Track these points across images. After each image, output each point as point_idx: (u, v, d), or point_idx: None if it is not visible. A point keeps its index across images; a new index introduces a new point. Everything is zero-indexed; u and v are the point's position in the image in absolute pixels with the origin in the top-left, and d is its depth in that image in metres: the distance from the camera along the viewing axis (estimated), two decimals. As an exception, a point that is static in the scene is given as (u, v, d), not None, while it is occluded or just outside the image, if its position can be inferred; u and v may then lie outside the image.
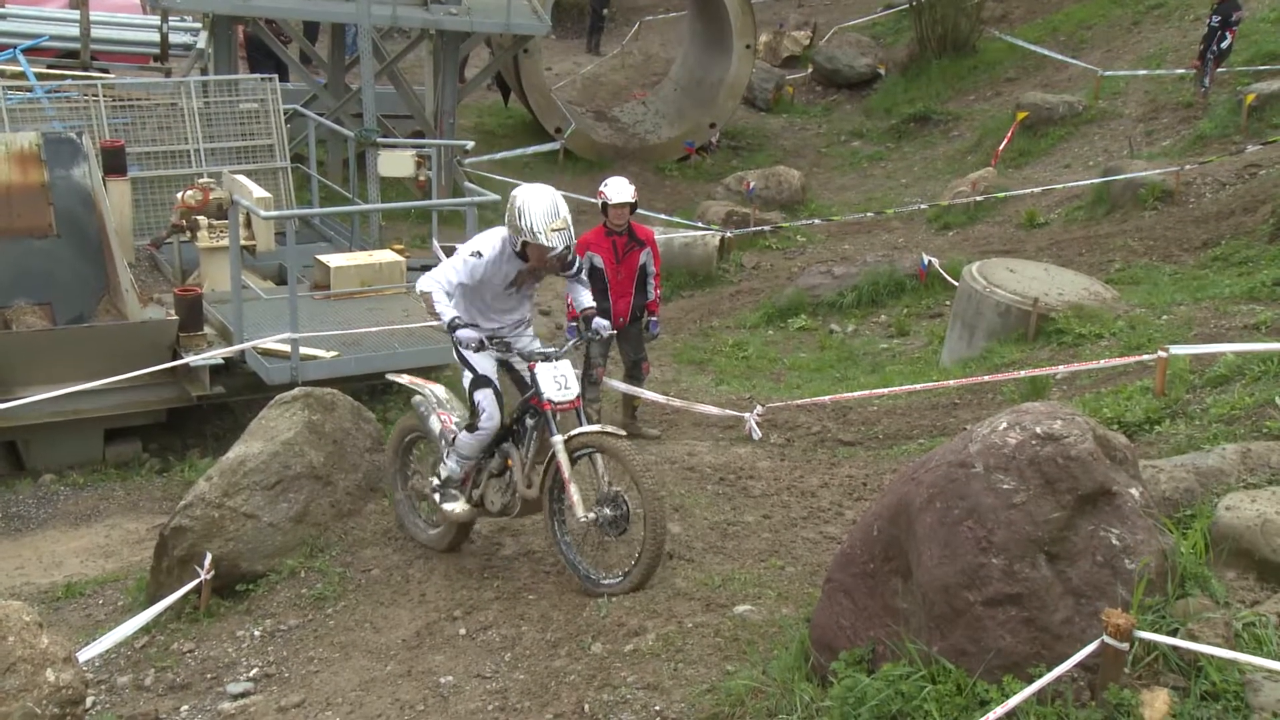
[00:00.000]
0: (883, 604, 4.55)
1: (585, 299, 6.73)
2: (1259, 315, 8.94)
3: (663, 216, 17.26)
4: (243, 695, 5.84)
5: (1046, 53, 22.01)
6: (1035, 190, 16.19)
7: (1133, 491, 4.36)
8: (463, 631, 5.96)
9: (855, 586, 4.67)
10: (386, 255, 12.79)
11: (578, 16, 30.04)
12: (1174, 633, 4.02)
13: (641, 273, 9.01)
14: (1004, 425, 4.43)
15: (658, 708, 4.80)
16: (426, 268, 13.12)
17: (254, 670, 6.08)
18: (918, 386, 9.59)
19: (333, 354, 10.74)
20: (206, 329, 11.17)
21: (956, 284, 11.55)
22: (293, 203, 14.99)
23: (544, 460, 6.25)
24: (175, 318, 10.91)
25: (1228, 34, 16.88)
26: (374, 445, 7.61)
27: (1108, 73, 19.72)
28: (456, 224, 14.70)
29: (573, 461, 6.11)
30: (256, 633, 6.40)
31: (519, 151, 20.86)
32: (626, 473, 5.98)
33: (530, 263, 6.26)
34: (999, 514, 4.20)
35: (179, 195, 12.76)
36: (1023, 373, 8.89)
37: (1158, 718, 3.84)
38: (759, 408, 9.40)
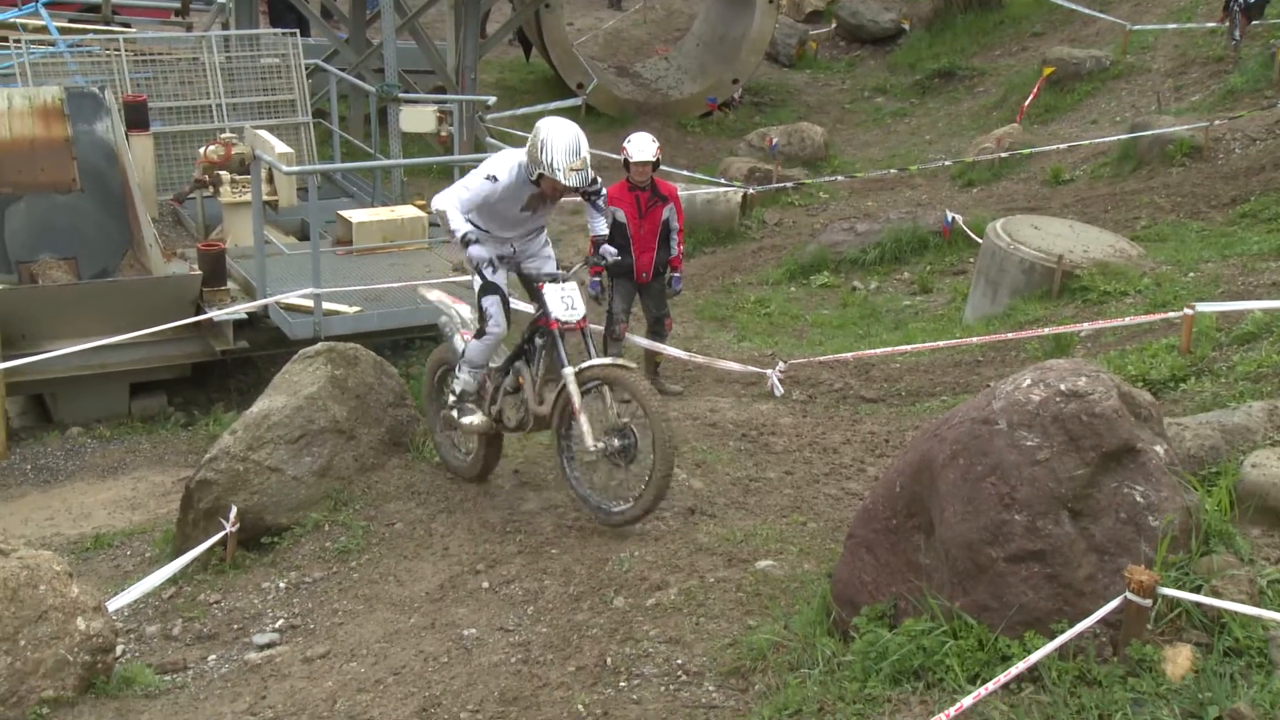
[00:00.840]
0: (905, 560, 4.56)
1: (599, 226, 6.84)
2: (1287, 272, 8.87)
3: (685, 173, 17.17)
4: (269, 646, 5.90)
5: (1074, 6, 21.71)
6: (1061, 146, 16.04)
7: (1157, 449, 4.36)
8: (486, 585, 6.00)
9: (877, 542, 4.68)
10: (408, 211, 12.79)
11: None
12: (1197, 589, 4.02)
13: (664, 228, 8.99)
14: (1028, 382, 4.42)
15: (679, 661, 4.83)
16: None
17: (279, 621, 6.14)
18: (940, 344, 9.56)
19: (355, 309, 10.77)
20: (229, 284, 11.22)
21: (980, 241, 11.48)
22: (315, 158, 15.00)
23: (553, 378, 6.41)
24: (199, 273, 10.96)
25: None
26: (396, 400, 7.64)
27: (1136, 26, 19.47)
28: (478, 180, 14.63)
29: (583, 393, 6.21)
30: (282, 585, 6.47)
31: (540, 107, 20.68)
32: (635, 402, 6.08)
33: (543, 191, 6.37)
34: (1022, 470, 4.20)
35: (201, 150, 12.79)
36: (1046, 330, 8.85)
37: (1180, 674, 3.85)
38: (781, 364, 9.39)
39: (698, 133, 21.44)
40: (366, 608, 6.06)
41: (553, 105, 20.76)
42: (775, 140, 18.16)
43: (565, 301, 6.33)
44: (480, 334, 6.61)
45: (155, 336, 10.12)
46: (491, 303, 6.49)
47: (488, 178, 6.27)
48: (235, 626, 6.18)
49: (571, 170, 6.13)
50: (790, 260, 14.27)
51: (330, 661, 5.53)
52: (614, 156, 17.65)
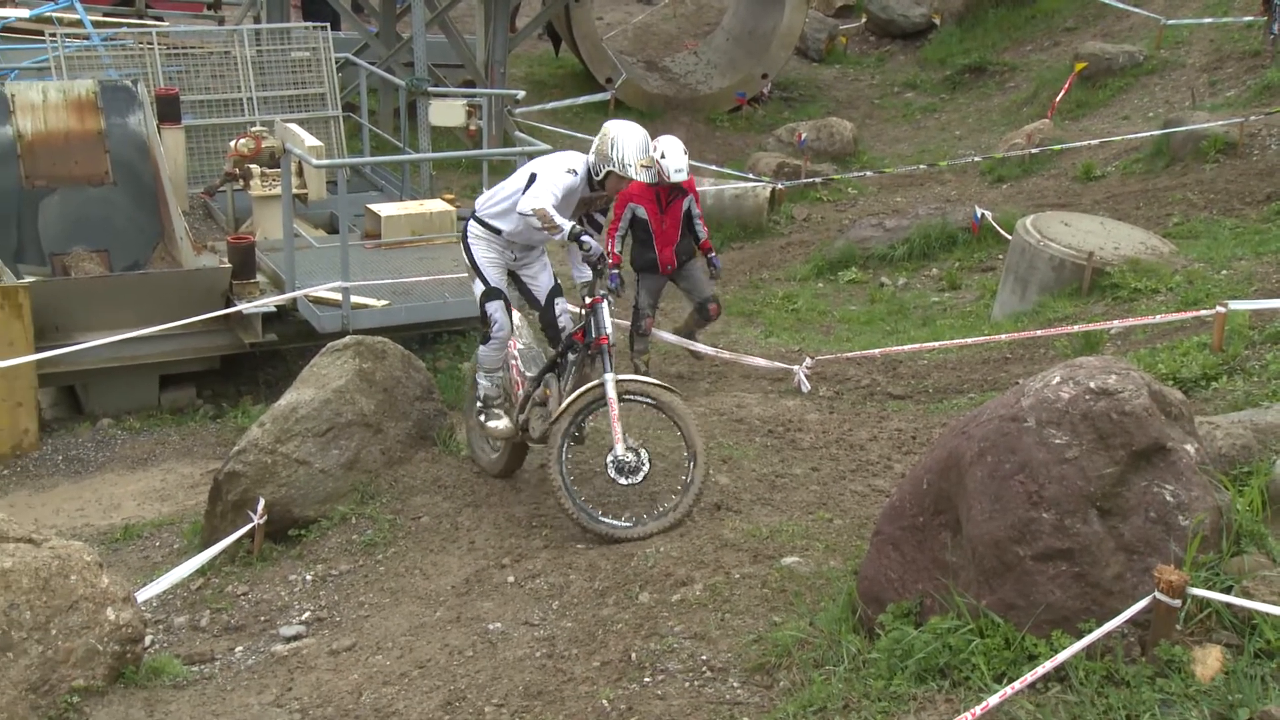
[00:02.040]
0: (931, 557, 4.53)
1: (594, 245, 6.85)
2: (1322, 271, 8.78)
3: (713, 168, 17.14)
4: (295, 638, 5.94)
5: (1107, 1, 21.53)
6: (1092, 142, 15.91)
7: (1188, 448, 4.31)
8: (511, 579, 6.01)
9: (904, 539, 4.66)
10: (437, 204, 12.81)
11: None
12: (1228, 590, 3.98)
13: (686, 217, 9.10)
14: (1057, 379, 4.39)
15: (704, 657, 4.83)
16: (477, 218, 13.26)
17: (306, 614, 6.18)
18: (969, 340, 9.50)
19: (383, 303, 10.80)
20: (259, 277, 11.26)
21: (1010, 237, 11.40)
22: (344, 151, 15.05)
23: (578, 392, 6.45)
24: (228, 265, 11.01)
25: None
26: (424, 394, 7.67)
27: (1171, 21, 19.28)
28: (506, 174, 14.61)
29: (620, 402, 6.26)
30: (308, 577, 6.50)
31: (569, 101, 20.75)
32: (675, 424, 6.19)
33: (602, 194, 6.50)
34: (1051, 468, 4.17)
35: (232, 143, 12.85)
36: (1076, 328, 8.79)
37: (1210, 675, 3.82)
38: (808, 360, 9.36)
39: (726, 128, 21.38)
40: (392, 601, 6.09)
41: (581, 100, 20.79)
42: (804, 135, 18.09)
43: (610, 317, 6.44)
44: (485, 339, 6.72)
45: (185, 329, 10.19)
46: (495, 307, 6.60)
47: (569, 171, 6.37)
48: (262, 618, 6.22)
49: (642, 166, 6.33)
50: (818, 256, 14.22)
51: (356, 654, 5.56)
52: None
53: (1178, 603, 3.87)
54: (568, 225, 6.21)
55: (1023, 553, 4.15)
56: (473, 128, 15.02)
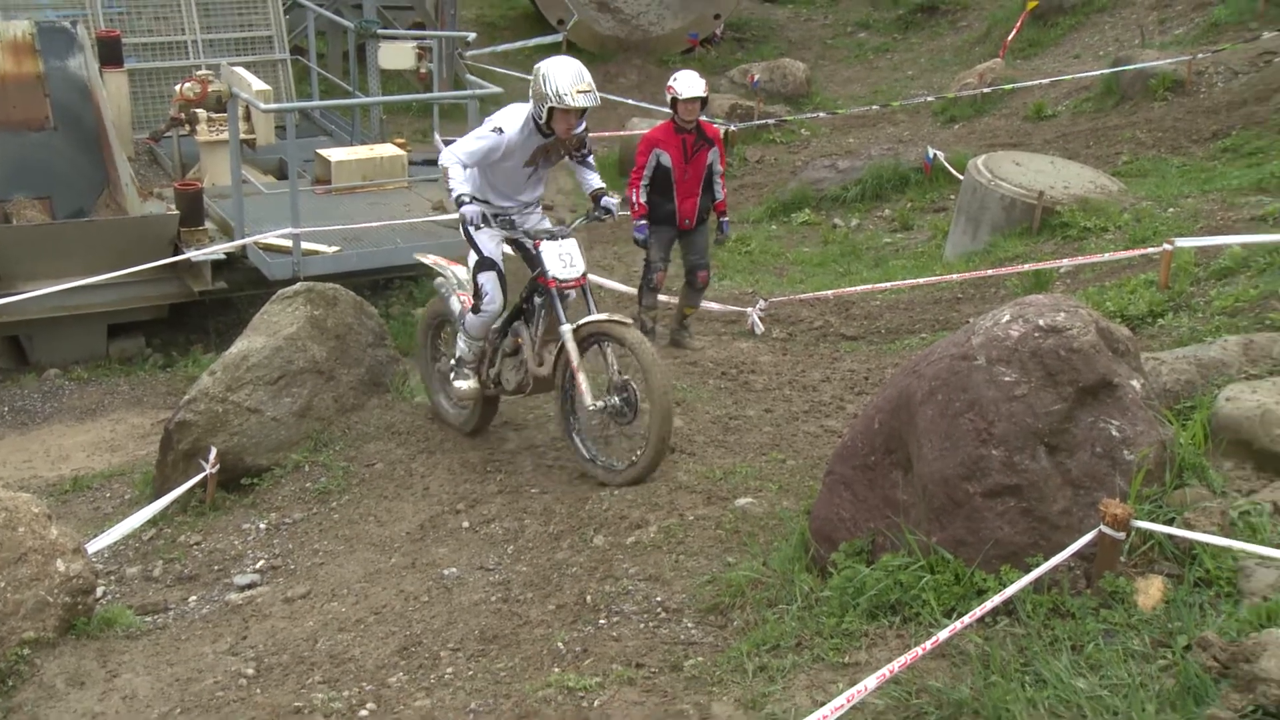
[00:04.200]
0: (882, 496, 4.58)
1: (594, 180, 6.64)
2: (1267, 207, 8.86)
3: (665, 110, 16.99)
4: (249, 586, 5.92)
5: (1059, -61, 21.48)
6: (1043, 82, 15.94)
7: (1134, 383, 4.37)
8: (466, 524, 6.01)
9: (855, 479, 4.70)
10: (388, 149, 12.67)
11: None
12: (1170, 522, 4.06)
13: (708, 172, 8.54)
14: (1007, 318, 4.42)
15: (659, 598, 4.86)
16: (429, 162, 13.13)
17: (260, 562, 6.16)
18: (921, 281, 9.55)
19: (334, 249, 10.70)
20: (207, 224, 11.12)
21: (961, 177, 11.44)
22: (292, 95, 14.81)
23: (553, 338, 6.32)
24: (176, 212, 10.85)
25: None
26: (376, 340, 7.62)
27: (1121, -41, 19.28)
28: (458, 117, 14.50)
29: (583, 350, 6.16)
30: (262, 526, 6.48)
31: (521, 44, 20.49)
32: (635, 361, 6.01)
33: (552, 136, 6.26)
34: (1000, 406, 4.21)
35: (177, 88, 12.61)
36: (1026, 266, 8.85)
37: (1151, 604, 3.89)
38: (761, 302, 9.37)
39: (679, 69, 21.20)
40: (347, 548, 6.08)
41: (533, 41, 20.54)
42: (757, 77, 18.00)
43: (564, 259, 6.22)
44: (476, 309, 6.49)
45: (132, 277, 10.03)
46: (488, 279, 6.38)
47: (494, 130, 6.20)
48: (216, 568, 6.20)
49: (579, 92, 6.05)
50: (771, 198, 14.21)
51: (311, 601, 5.55)
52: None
53: (1122, 535, 3.93)
54: (458, 190, 6.10)
55: (972, 490, 4.20)
56: (423, 71, 14.83)
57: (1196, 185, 10.55)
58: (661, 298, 8.89)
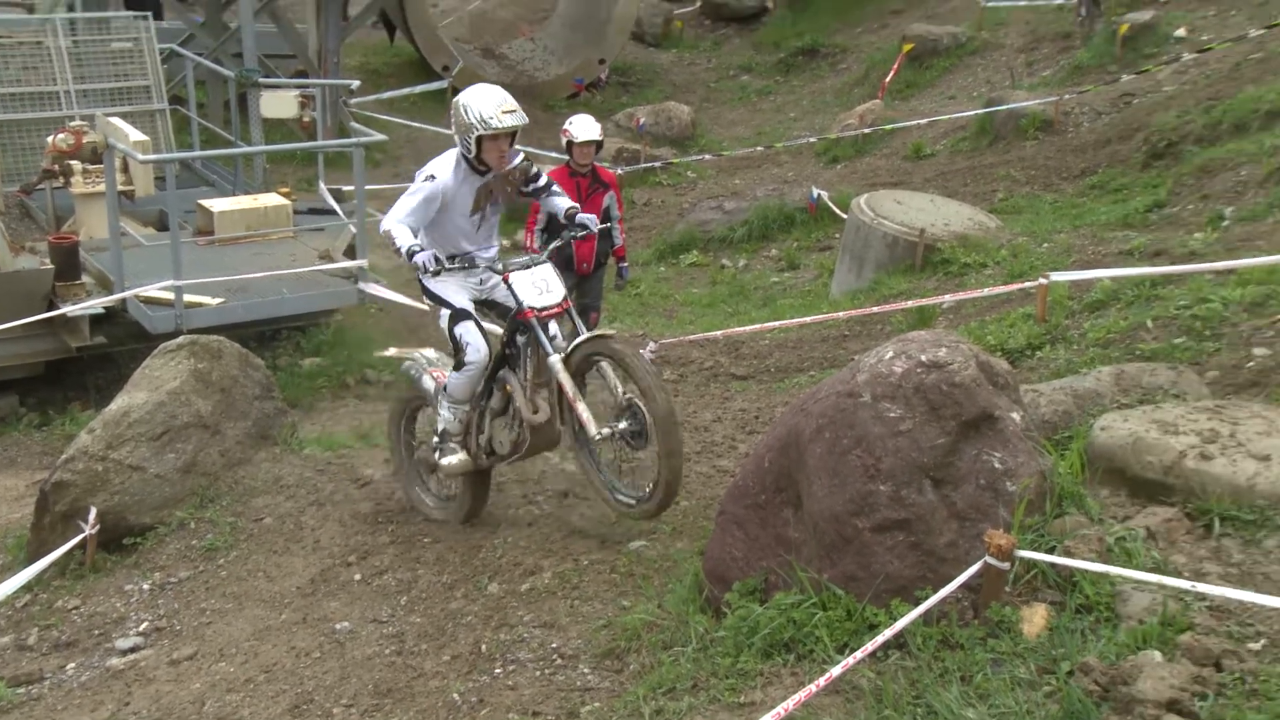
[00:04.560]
0: (774, 534, 4.61)
1: (564, 203, 6.16)
2: (1133, 241, 9.19)
3: (553, 155, 17.08)
4: (132, 650, 5.74)
5: (931, -16, 22.20)
6: (921, 122, 16.38)
7: (1014, 415, 4.48)
8: (358, 577, 5.92)
9: (747, 518, 4.73)
10: (272, 199, 12.51)
11: (463, -50, 29.42)
12: (1051, 550, 4.15)
13: (605, 217, 8.52)
14: (890, 354, 4.50)
15: (555, 645, 4.83)
16: (314, 210, 12.98)
17: (144, 624, 5.97)
18: (808, 319, 9.69)
19: (218, 301, 10.50)
20: (85, 278, 10.84)
21: (845, 216, 11.67)
22: (172, 146, 14.53)
23: (545, 380, 5.78)
24: (50, 267, 10.56)
25: None
26: (263, 393, 7.49)
27: (990, 3, 19.96)
28: (343, 165, 14.38)
29: (580, 377, 5.70)
30: (146, 586, 6.29)
31: (406, 90, 20.45)
32: (631, 379, 5.51)
33: (490, 174, 5.85)
34: (886, 442, 4.28)
35: (49, 139, 12.30)
36: (910, 303, 9.04)
37: (1036, 632, 3.97)
38: (652, 344, 9.42)
39: (566, 114, 21.30)
40: (235, 606, 5.93)
41: (419, 89, 20.52)
42: (642, 120, 18.21)
43: (538, 287, 5.72)
44: (460, 365, 5.91)
45: (4, 334, 9.72)
46: (465, 329, 5.85)
47: (426, 179, 5.79)
48: (96, 632, 5.99)
49: (504, 113, 5.63)
50: (659, 240, 14.35)
51: (198, 663, 5.41)
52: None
53: (1006, 565, 4.02)
54: (405, 244, 5.64)
55: (861, 525, 4.25)
56: (306, 119, 14.69)
57: (1068, 221, 10.90)
58: None
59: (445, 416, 6.11)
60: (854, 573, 4.26)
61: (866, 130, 16.70)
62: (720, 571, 4.73)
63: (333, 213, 12.73)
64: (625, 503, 5.66)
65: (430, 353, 6.53)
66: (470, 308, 5.91)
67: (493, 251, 6.12)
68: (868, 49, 21.41)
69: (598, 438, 5.57)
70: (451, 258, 5.85)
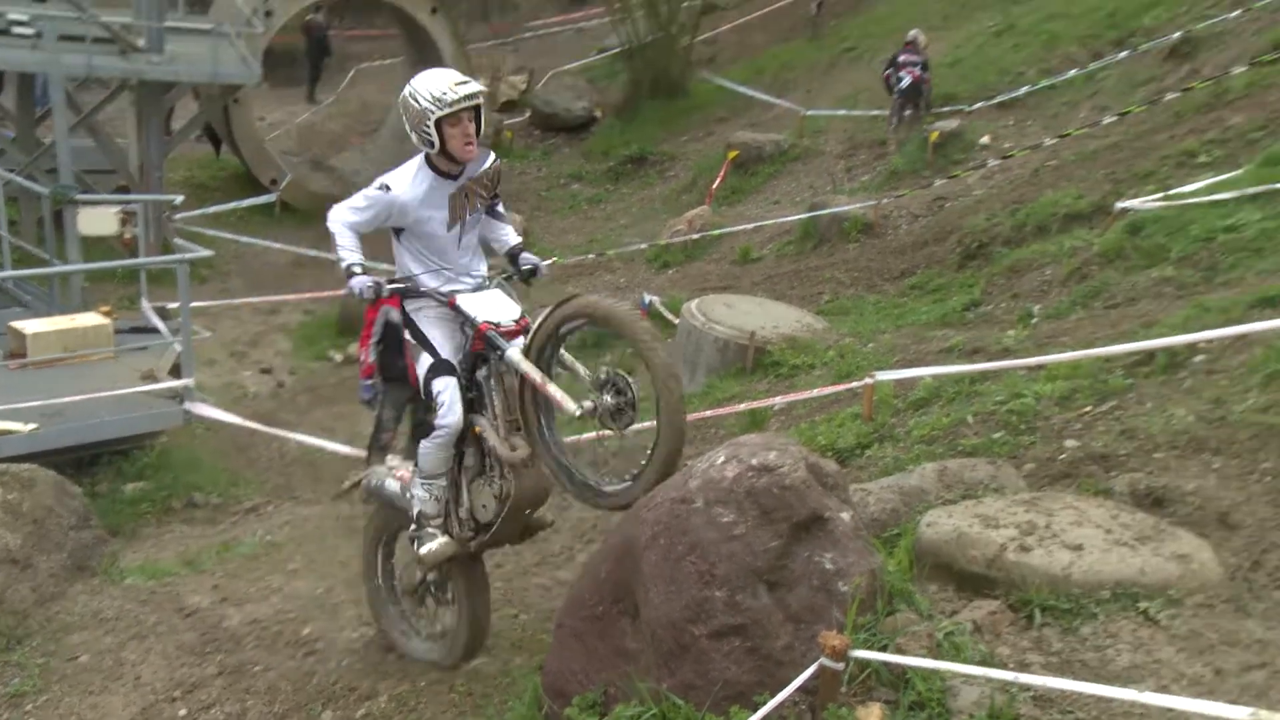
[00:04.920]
0: (613, 646, 4.58)
1: (509, 235, 5.70)
2: (952, 339, 9.55)
3: (383, 265, 16.97)
4: (-67, 809, 5.35)
5: (753, 94, 22.98)
6: (748, 226, 16.82)
7: (844, 515, 4.55)
8: (183, 713, 5.65)
9: (586, 630, 4.69)
10: (91, 318, 12.09)
11: (289, 62, 29.31)
12: (884, 648, 4.21)
13: None
14: (722, 459, 4.56)
15: (393, 773, 4.68)
16: (136, 330, 12.58)
17: (-56, 781, 5.58)
18: (644, 425, 9.72)
19: (31, 427, 10.03)
20: (-117, 407, 10.24)
21: (677, 321, 11.84)
22: (-19, 265, 13.97)
23: (515, 417, 5.28)
24: None
25: (903, 74, 18.05)
26: (80, 522, 7.16)
27: (810, 112, 20.73)
28: (168, 283, 14.01)
29: (545, 364, 5.23)
30: (-54, 740, 5.88)
31: (233, 204, 20.13)
32: (625, 338, 5.05)
33: (461, 174, 5.34)
34: (720, 547, 4.30)
35: None
36: (742, 406, 9.18)
37: (873, 732, 4.01)
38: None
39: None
40: (47, 754, 5.59)
41: (246, 202, 20.23)
42: (475, 230, 18.23)
43: (491, 304, 5.26)
44: (430, 431, 5.30)
45: None
46: (445, 385, 5.22)
47: (380, 187, 5.28)
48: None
49: (457, 84, 5.07)
50: (495, 349, 14.27)
51: (6, 819, 5.05)
52: (310, 254, 17.24)
53: (841, 666, 4.05)
54: (347, 260, 5.20)
55: (698, 632, 4.25)
56: (128, 236, 14.33)
57: (891, 321, 11.28)
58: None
59: (420, 496, 5.51)
60: (693, 681, 4.25)
61: (695, 235, 17.07)
62: (559, 686, 4.67)
63: (156, 331, 12.38)
64: (613, 492, 5.12)
65: (381, 469, 5.97)
66: (455, 362, 5.30)
67: (481, 269, 5.57)
68: (694, 156, 21.99)
69: (578, 413, 4.99)
70: (391, 281, 5.35)
